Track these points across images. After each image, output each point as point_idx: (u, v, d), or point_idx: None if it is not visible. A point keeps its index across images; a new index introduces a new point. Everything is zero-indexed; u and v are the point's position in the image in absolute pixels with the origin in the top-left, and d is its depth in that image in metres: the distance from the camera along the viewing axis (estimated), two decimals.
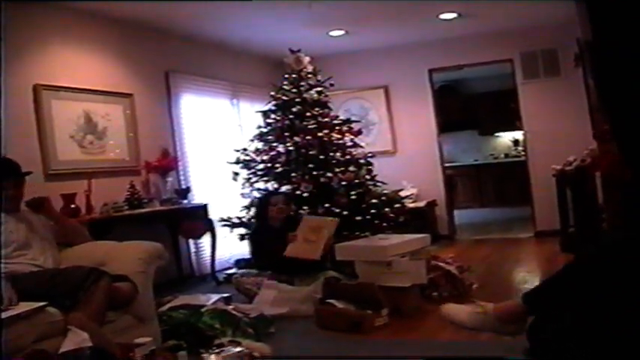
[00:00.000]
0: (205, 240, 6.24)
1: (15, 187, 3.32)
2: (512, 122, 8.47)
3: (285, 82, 6.20)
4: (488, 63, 8.02)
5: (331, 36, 7.17)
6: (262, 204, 5.30)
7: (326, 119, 6.07)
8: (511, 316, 2.55)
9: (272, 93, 6.22)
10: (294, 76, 6.18)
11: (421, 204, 7.72)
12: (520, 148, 9.87)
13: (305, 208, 5.53)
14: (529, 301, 2.51)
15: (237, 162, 6.13)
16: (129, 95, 5.79)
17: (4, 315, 2.60)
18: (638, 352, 2.10)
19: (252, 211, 5.99)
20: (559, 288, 2.41)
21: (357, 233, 5.43)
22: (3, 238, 3.12)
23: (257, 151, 6.13)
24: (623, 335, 2.15)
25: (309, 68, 6.24)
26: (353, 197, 5.70)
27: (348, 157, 5.99)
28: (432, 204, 7.91)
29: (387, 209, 5.85)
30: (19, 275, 3.01)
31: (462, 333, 3.58)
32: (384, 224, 5.77)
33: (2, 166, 3.34)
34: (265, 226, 5.12)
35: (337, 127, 6.08)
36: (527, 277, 5.18)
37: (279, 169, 5.90)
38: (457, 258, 5.06)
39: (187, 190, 6.05)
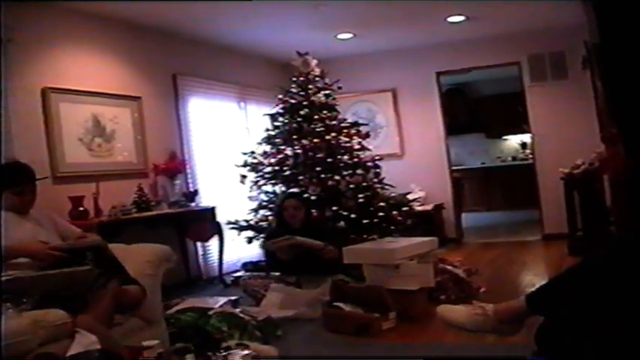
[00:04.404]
0: (213, 243, 6.25)
1: (32, 192, 3.36)
2: (519, 125, 8.46)
3: (292, 85, 6.21)
4: (496, 66, 7.99)
5: (339, 39, 7.17)
6: (279, 207, 5.26)
7: (333, 122, 6.07)
8: (511, 316, 2.53)
9: (279, 96, 6.24)
10: (301, 79, 6.20)
11: (429, 207, 7.69)
12: (528, 151, 9.84)
13: (313, 211, 5.52)
14: (532, 302, 2.50)
15: (245, 165, 6.15)
16: (137, 98, 5.81)
17: None
18: None
19: (260, 213, 6.03)
20: (563, 289, 2.40)
21: (364, 236, 5.43)
22: (9, 238, 3.13)
23: (265, 154, 6.14)
24: (632, 337, 2.14)
25: (317, 71, 6.26)
26: (361, 200, 5.70)
27: (355, 160, 5.99)
28: (439, 207, 7.89)
29: (394, 212, 5.84)
30: (25, 277, 3.02)
31: (469, 336, 3.60)
32: (392, 227, 5.76)
33: (23, 171, 3.38)
34: (283, 229, 5.06)
35: (345, 130, 6.08)
36: (535, 281, 5.15)
37: (287, 172, 5.91)
38: (465, 261, 5.06)
39: (195, 192, 6.06)
